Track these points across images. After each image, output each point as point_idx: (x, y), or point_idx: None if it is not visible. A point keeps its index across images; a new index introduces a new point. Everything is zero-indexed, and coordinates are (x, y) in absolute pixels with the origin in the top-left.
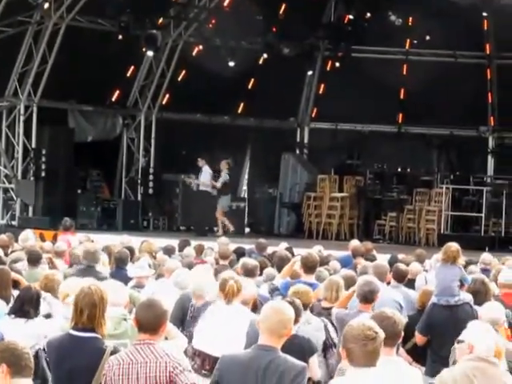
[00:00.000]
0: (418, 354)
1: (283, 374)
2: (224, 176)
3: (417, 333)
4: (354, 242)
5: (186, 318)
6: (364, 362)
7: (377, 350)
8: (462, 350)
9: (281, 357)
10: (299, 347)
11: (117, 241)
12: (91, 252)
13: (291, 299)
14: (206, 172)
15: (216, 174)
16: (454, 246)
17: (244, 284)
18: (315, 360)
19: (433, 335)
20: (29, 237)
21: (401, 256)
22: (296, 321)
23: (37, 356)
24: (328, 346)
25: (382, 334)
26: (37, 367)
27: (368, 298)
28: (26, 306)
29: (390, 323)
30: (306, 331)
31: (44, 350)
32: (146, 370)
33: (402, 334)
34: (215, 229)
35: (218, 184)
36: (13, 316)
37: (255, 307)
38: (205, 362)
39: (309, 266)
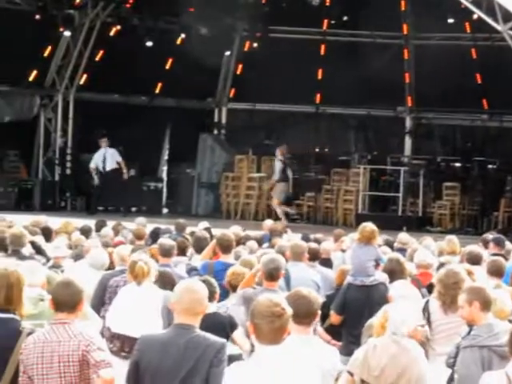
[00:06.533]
0: (336, 333)
1: (204, 352)
2: (278, 164)
3: (332, 312)
4: (269, 222)
5: (105, 297)
6: (270, 338)
7: (283, 326)
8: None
9: (200, 334)
10: (221, 324)
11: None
12: (18, 236)
13: (204, 278)
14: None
15: None
16: (369, 226)
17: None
18: (239, 333)
19: (348, 315)
20: None
21: (318, 235)
22: (213, 298)
23: None
24: None
25: (289, 311)
26: None
27: (273, 275)
28: None
29: (305, 302)
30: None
31: None
32: (59, 348)
33: (319, 312)
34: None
35: (276, 177)
36: None
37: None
38: (124, 345)
39: (224, 246)
